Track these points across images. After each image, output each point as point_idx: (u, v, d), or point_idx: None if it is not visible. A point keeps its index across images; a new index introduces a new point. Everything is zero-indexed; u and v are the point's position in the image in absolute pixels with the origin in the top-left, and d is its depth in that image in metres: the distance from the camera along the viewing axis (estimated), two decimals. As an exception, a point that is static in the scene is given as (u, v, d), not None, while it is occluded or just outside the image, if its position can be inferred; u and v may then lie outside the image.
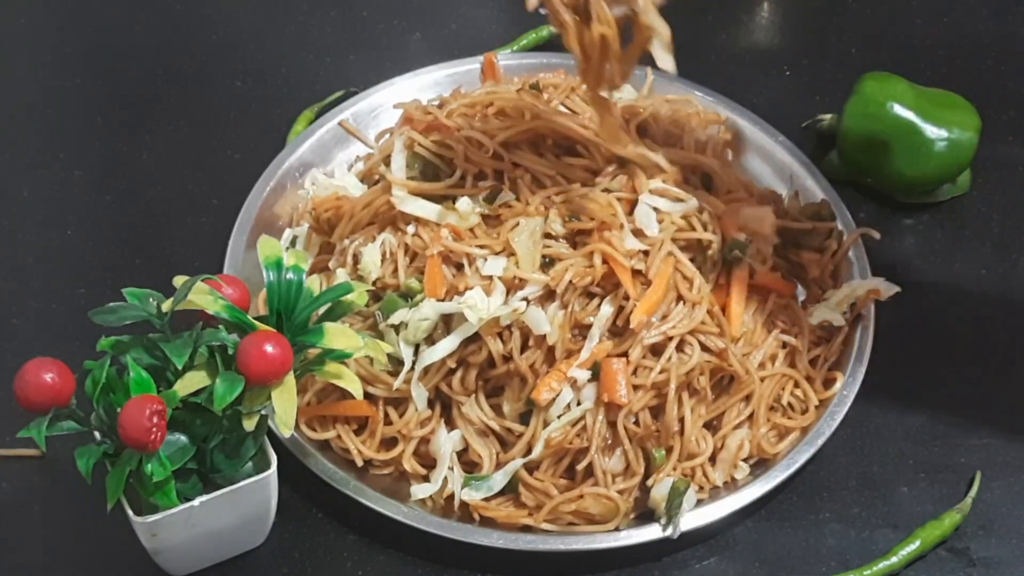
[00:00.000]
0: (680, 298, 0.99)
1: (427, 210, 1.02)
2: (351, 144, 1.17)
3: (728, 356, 0.98)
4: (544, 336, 0.96)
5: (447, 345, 0.97)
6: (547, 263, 0.98)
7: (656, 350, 0.98)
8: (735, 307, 1.01)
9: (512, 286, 0.98)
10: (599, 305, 0.97)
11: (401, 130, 1.08)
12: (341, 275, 1.02)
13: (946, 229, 1.18)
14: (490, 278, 0.97)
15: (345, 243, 1.05)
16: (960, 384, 1.08)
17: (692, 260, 1.01)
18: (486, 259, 0.98)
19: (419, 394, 0.98)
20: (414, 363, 0.98)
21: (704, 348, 0.98)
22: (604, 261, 0.98)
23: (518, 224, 0.99)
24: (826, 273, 1.08)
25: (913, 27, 1.35)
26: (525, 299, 0.97)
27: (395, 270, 1.01)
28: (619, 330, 0.98)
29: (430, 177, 1.03)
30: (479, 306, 0.96)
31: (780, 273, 1.07)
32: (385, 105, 1.18)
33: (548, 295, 0.98)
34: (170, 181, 1.19)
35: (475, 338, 0.97)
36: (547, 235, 0.99)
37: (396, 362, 0.98)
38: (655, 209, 1.01)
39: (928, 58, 1.30)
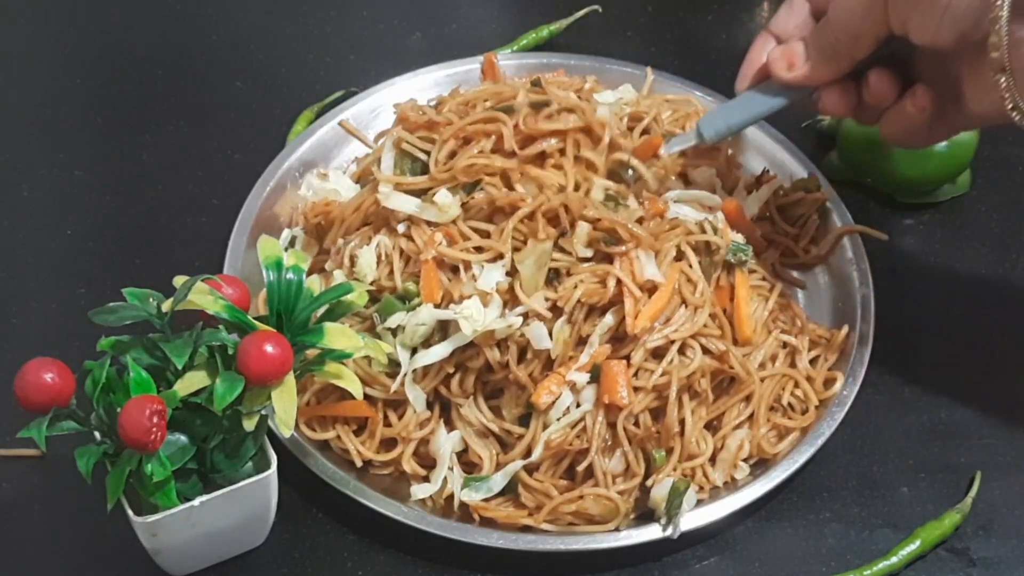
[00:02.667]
0: (684, 302, 0.98)
1: (407, 204, 1.01)
2: (351, 144, 1.17)
3: (729, 358, 0.98)
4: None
5: (440, 351, 0.97)
6: (552, 276, 0.97)
7: (657, 353, 0.97)
8: (743, 309, 1.01)
9: (510, 299, 0.97)
10: (601, 315, 0.97)
11: (392, 130, 1.08)
12: (338, 276, 1.02)
13: (946, 229, 1.18)
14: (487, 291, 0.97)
15: (340, 243, 1.04)
16: (960, 384, 1.08)
17: (699, 263, 1.01)
18: (483, 266, 0.98)
19: (416, 396, 0.98)
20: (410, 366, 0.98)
21: (705, 351, 0.98)
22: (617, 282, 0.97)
23: (525, 244, 0.97)
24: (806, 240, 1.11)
25: (913, 27, 1.34)
26: (523, 315, 0.96)
27: (391, 272, 1.01)
28: (619, 335, 0.97)
29: (418, 173, 1.03)
30: (475, 317, 0.95)
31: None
32: (385, 105, 1.18)
33: (551, 309, 0.97)
34: (170, 181, 1.19)
35: (472, 344, 0.97)
36: (561, 249, 0.98)
37: (395, 364, 0.98)
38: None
39: (928, 58, 1.30)
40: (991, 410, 1.06)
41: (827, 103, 0.97)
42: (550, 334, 0.96)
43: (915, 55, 0.95)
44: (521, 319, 0.96)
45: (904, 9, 0.88)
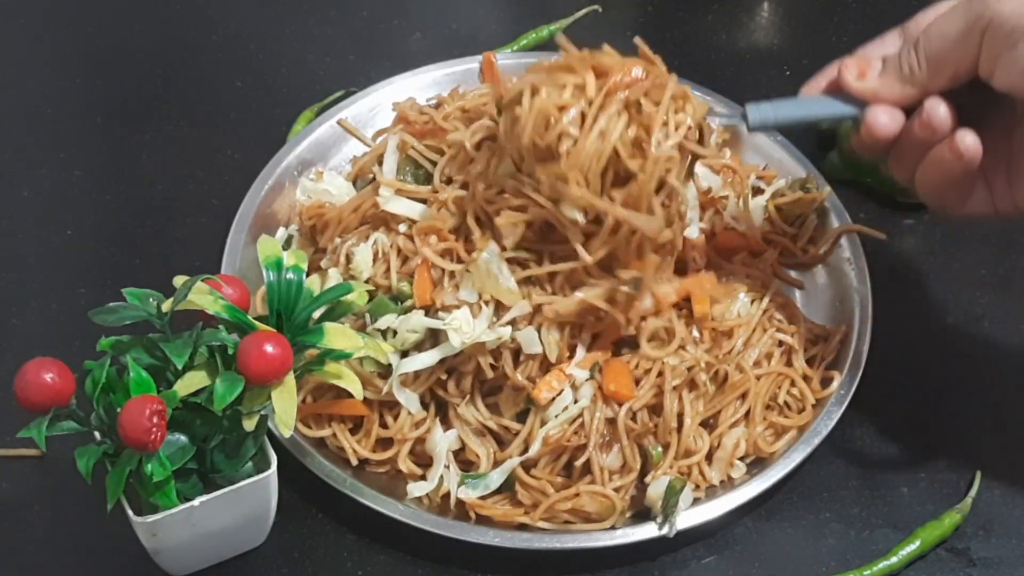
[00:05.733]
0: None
1: (411, 209, 1.01)
2: (350, 143, 1.17)
3: (719, 332, 0.99)
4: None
5: (427, 359, 0.96)
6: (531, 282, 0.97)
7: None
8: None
9: (501, 307, 0.96)
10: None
11: (395, 130, 1.08)
12: (334, 275, 1.02)
13: (946, 229, 1.17)
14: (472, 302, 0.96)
15: (337, 241, 1.04)
16: (960, 384, 1.08)
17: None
18: (463, 275, 0.97)
19: (407, 398, 0.98)
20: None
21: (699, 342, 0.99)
22: None
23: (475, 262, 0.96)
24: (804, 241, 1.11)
25: (913, 27, 1.34)
26: (511, 322, 0.96)
27: (387, 270, 1.01)
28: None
29: (421, 181, 1.03)
30: (464, 329, 0.95)
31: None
32: (384, 105, 1.18)
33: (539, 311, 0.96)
34: (170, 181, 1.19)
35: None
36: (511, 261, 0.96)
37: (387, 365, 0.98)
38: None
39: (928, 58, 1.30)
40: (991, 410, 1.06)
41: (872, 120, 0.90)
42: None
43: (984, 118, 0.88)
44: (510, 328, 0.95)
45: (999, 45, 0.83)
